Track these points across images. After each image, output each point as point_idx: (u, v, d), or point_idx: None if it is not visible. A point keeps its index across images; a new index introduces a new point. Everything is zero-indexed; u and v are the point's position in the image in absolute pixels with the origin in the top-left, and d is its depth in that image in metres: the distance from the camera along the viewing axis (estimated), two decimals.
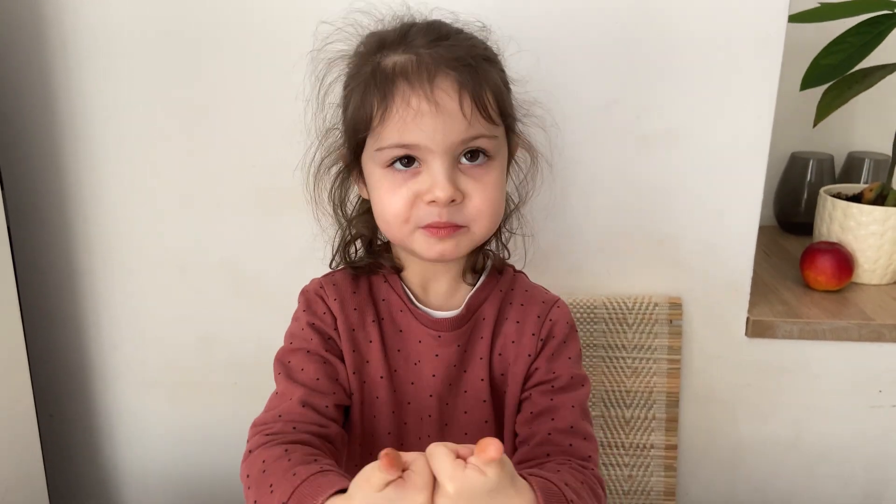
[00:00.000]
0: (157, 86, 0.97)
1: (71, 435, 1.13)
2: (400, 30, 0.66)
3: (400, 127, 0.62)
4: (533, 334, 0.72)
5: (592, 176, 0.99)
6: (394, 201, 0.65)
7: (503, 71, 0.70)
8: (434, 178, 0.63)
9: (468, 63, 0.63)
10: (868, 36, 1.02)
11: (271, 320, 1.05)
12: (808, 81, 1.04)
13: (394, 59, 0.63)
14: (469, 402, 0.72)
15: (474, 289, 0.73)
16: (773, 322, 1.03)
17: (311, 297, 0.74)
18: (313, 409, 0.66)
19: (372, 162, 0.66)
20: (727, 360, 1.06)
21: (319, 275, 1.01)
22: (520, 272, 0.79)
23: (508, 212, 0.76)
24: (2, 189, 0.97)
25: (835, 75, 1.03)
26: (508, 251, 0.78)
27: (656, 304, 1.02)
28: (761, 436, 1.10)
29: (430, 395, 0.72)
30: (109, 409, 1.11)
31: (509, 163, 0.72)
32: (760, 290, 1.09)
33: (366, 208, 0.73)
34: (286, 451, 0.60)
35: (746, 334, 1.04)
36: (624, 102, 0.95)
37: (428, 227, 0.65)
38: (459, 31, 0.67)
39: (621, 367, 1.03)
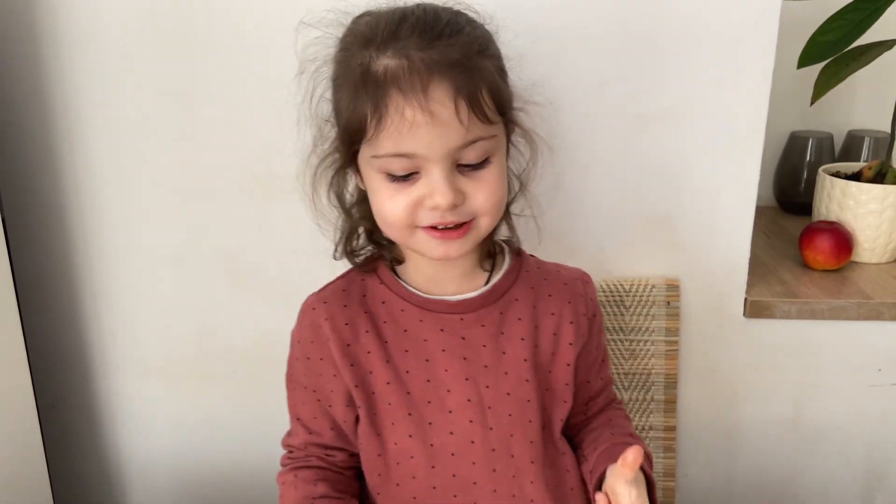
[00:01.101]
0: (150, 76, 0.96)
1: (72, 425, 1.14)
2: (390, 25, 0.61)
3: (395, 137, 0.60)
4: (584, 314, 0.75)
5: (588, 157, 0.98)
6: (394, 208, 0.64)
7: (499, 57, 0.67)
8: (434, 184, 0.62)
9: (463, 65, 0.60)
10: (865, 12, 1.00)
11: (269, 309, 1.06)
12: (805, 59, 1.03)
13: (384, 63, 0.60)
14: (511, 382, 0.72)
15: (501, 273, 0.74)
16: (771, 302, 1.02)
17: (303, 324, 0.75)
18: (316, 446, 0.76)
19: (369, 166, 0.64)
20: (725, 341, 1.06)
21: (315, 264, 1.02)
22: (531, 255, 0.79)
23: (512, 195, 0.74)
24: None
25: (832, 52, 1.02)
26: (517, 235, 0.77)
27: (653, 286, 1.02)
28: (761, 416, 1.10)
29: (466, 379, 0.71)
30: (110, 398, 1.12)
31: (508, 147, 0.70)
32: (759, 270, 1.09)
33: (364, 197, 0.71)
34: (295, 476, 0.75)
35: (744, 315, 1.04)
36: (618, 82, 0.95)
37: (430, 228, 0.64)
38: (454, 22, 0.63)
39: (619, 350, 1.03)
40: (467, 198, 0.63)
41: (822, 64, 1.03)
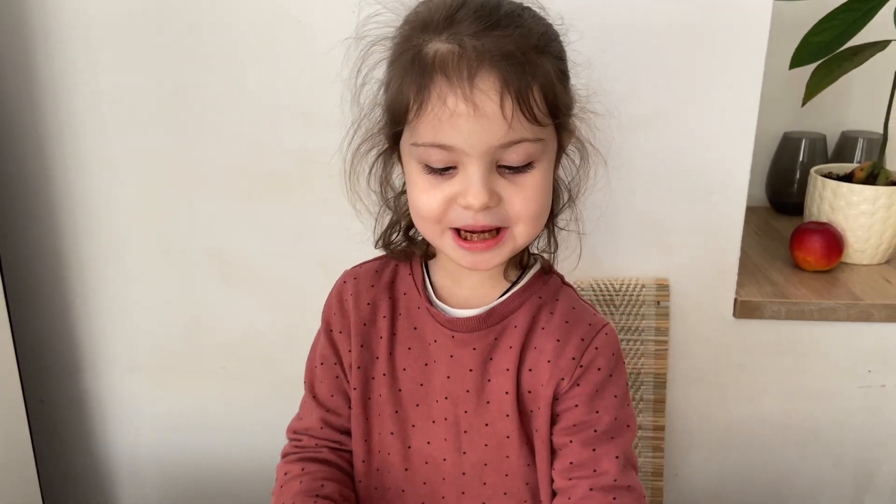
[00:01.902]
0: (142, 70, 0.96)
1: (61, 419, 1.14)
2: (449, 9, 0.58)
3: (435, 125, 0.57)
4: (573, 358, 0.66)
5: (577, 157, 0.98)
6: (428, 201, 0.61)
7: (562, 59, 0.63)
8: (469, 182, 0.58)
9: (516, 58, 0.56)
10: (858, 13, 1.00)
11: (258, 305, 1.06)
12: (797, 59, 1.03)
13: (435, 48, 0.57)
14: (491, 413, 0.68)
15: (509, 293, 0.69)
16: (760, 303, 1.02)
17: (332, 295, 0.74)
18: (331, 428, 0.73)
19: (408, 154, 0.62)
20: (715, 341, 1.06)
21: (309, 261, 1.02)
22: (567, 285, 0.73)
23: (560, 206, 0.70)
24: None
25: (825, 53, 1.02)
26: (557, 243, 0.72)
27: (643, 286, 1.02)
28: (750, 416, 1.10)
29: (446, 398, 0.69)
30: (99, 394, 1.12)
31: (560, 157, 0.66)
32: (749, 270, 1.09)
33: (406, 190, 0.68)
34: (302, 469, 0.71)
35: (734, 315, 1.04)
36: (608, 83, 0.93)
37: (461, 230, 0.61)
38: (516, 14, 0.59)
39: None
40: (503, 202, 0.60)
41: (815, 64, 1.03)
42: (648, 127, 0.96)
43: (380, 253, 0.74)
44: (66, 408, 1.13)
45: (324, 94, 0.93)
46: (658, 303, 1.02)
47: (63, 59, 0.96)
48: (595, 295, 1.02)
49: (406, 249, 0.72)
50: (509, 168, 0.59)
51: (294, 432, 0.75)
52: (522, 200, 0.60)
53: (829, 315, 1.02)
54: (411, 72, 0.58)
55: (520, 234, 0.62)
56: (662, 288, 1.02)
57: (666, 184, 0.99)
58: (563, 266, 0.74)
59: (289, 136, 0.97)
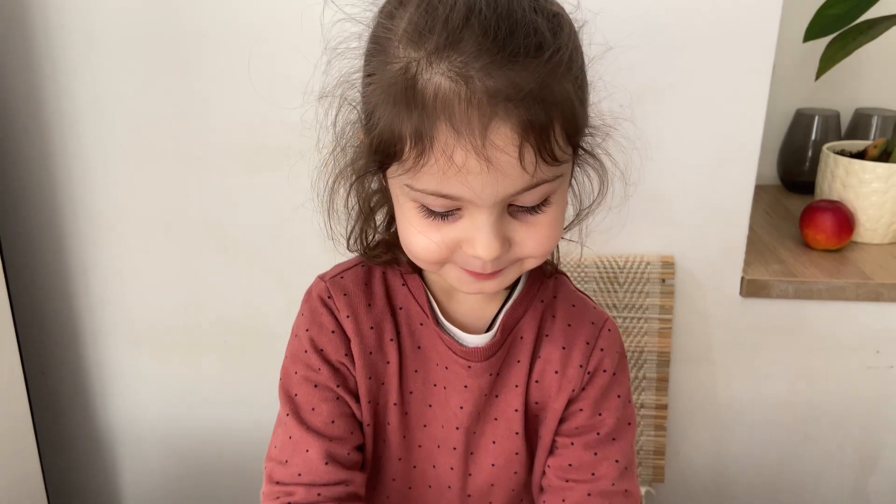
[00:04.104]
0: (141, 46, 0.95)
1: (62, 392, 1.14)
2: (451, 23, 0.46)
3: (438, 177, 0.48)
4: (581, 366, 0.62)
5: None
6: (427, 246, 0.52)
7: (582, 67, 0.53)
8: (477, 230, 0.50)
9: (538, 96, 0.46)
10: None
11: (258, 279, 1.05)
12: (811, 32, 1.01)
13: (436, 82, 0.46)
14: (499, 431, 0.64)
15: (510, 301, 0.62)
16: (768, 281, 1.00)
17: (317, 311, 0.62)
18: (336, 464, 0.61)
19: (400, 190, 0.52)
20: (720, 320, 1.04)
21: (309, 235, 1.00)
22: (561, 274, 0.67)
23: (568, 223, 0.62)
24: None
25: (839, 26, 0.99)
26: (558, 253, 0.66)
27: (648, 263, 1.00)
28: (754, 396, 1.09)
29: (457, 428, 0.64)
30: (100, 366, 1.12)
31: (573, 172, 0.58)
32: (758, 248, 1.07)
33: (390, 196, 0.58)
34: None
35: (741, 294, 1.02)
36: (613, 53, 0.91)
37: (467, 270, 0.54)
38: (533, 30, 0.47)
39: None
40: (514, 245, 0.53)
41: (829, 38, 1.01)
42: (655, 99, 0.94)
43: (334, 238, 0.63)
44: (67, 380, 1.13)
45: (324, 64, 0.92)
46: (663, 280, 1.01)
47: (61, 34, 0.95)
48: (599, 272, 1.00)
49: (390, 257, 0.62)
50: (523, 208, 0.52)
51: (278, 483, 0.61)
52: (536, 241, 0.53)
53: (838, 294, 1.00)
54: (405, 107, 0.47)
55: (529, 265, 0.56)
56: (668, 265, 1.00)
57: (673, 158, 0.97)
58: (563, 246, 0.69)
59: (288, 108, 0.96)
